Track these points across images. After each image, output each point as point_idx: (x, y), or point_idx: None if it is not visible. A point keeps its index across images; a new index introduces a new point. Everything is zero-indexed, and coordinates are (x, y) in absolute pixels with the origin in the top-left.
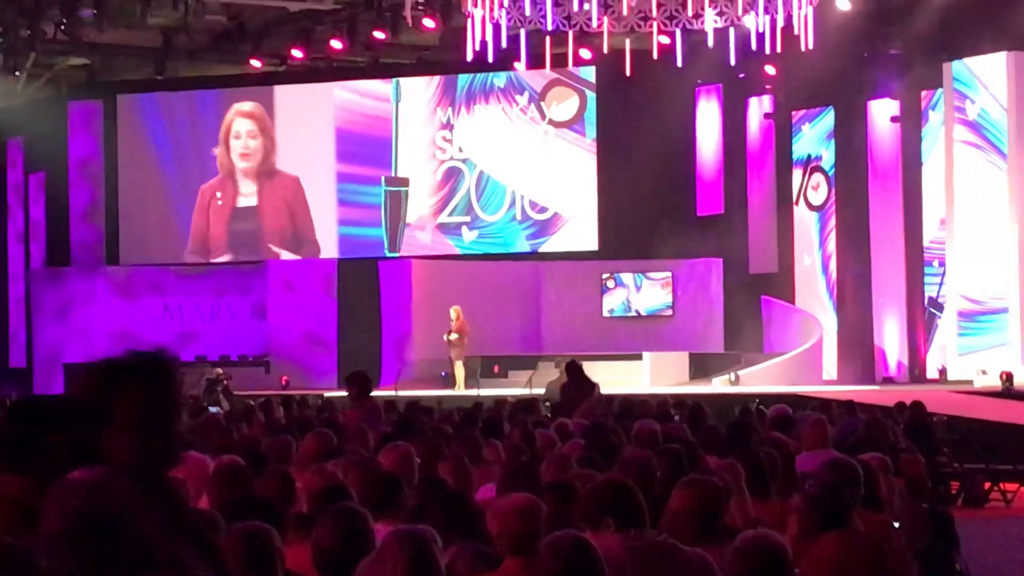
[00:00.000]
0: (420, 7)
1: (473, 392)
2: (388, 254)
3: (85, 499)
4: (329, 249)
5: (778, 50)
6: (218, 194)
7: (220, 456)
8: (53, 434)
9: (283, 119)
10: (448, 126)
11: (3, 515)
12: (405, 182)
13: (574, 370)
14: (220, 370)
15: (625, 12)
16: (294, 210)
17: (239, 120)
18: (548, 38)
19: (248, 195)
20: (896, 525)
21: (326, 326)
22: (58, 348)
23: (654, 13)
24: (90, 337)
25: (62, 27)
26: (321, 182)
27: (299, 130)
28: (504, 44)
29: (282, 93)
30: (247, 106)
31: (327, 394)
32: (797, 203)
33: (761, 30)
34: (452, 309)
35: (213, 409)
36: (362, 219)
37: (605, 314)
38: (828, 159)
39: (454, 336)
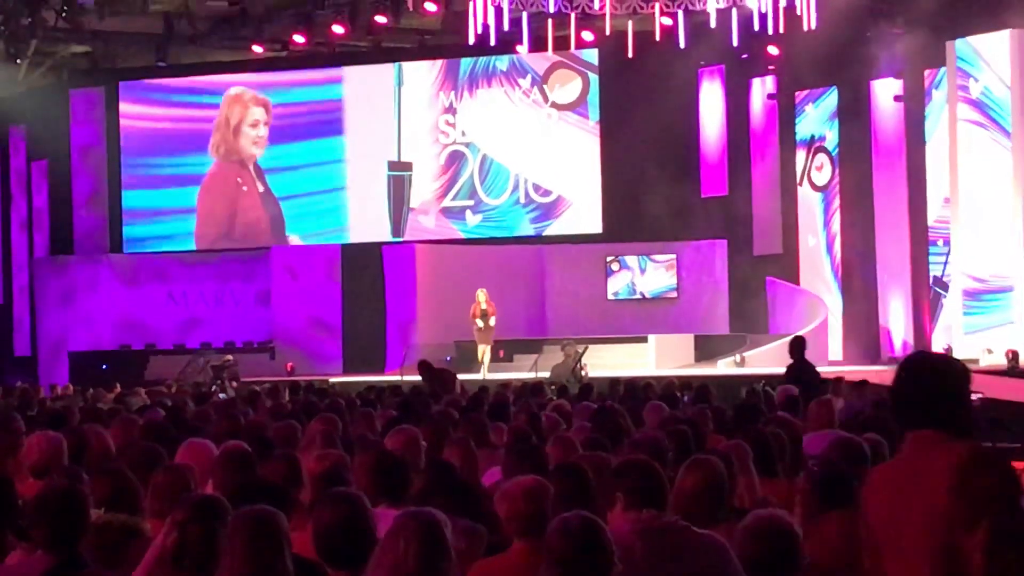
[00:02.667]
0: None
1: (493, 376)
2: (392, 239)
3: None
4: (335, 234)
5: (781, 30)
6: (239, 179)
7: (226, 441)
8: None
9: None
10: (451, 110)
11: None
12: (408, 166)
13: (423, 369)
14: (230, 356)
15: None
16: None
17: (255, 108)
18: (550, 21)
19: (261, 180)
20: None
21: (330, 312)
22: (63, 336)
23: None
24: (94, 325)
25: (63, 15)
26: (326, 167)
27: (302, 114)
28: (506, 27)
29: (288, 78)
30: (253, 92)
31: (332, 379)
32: (801, 184)
33: (763, 10)
34: (480, 292)
35: (221, 396)
36: (366, 204)
37: (610, 297)
38: (832, 139)
39: (492, 320)
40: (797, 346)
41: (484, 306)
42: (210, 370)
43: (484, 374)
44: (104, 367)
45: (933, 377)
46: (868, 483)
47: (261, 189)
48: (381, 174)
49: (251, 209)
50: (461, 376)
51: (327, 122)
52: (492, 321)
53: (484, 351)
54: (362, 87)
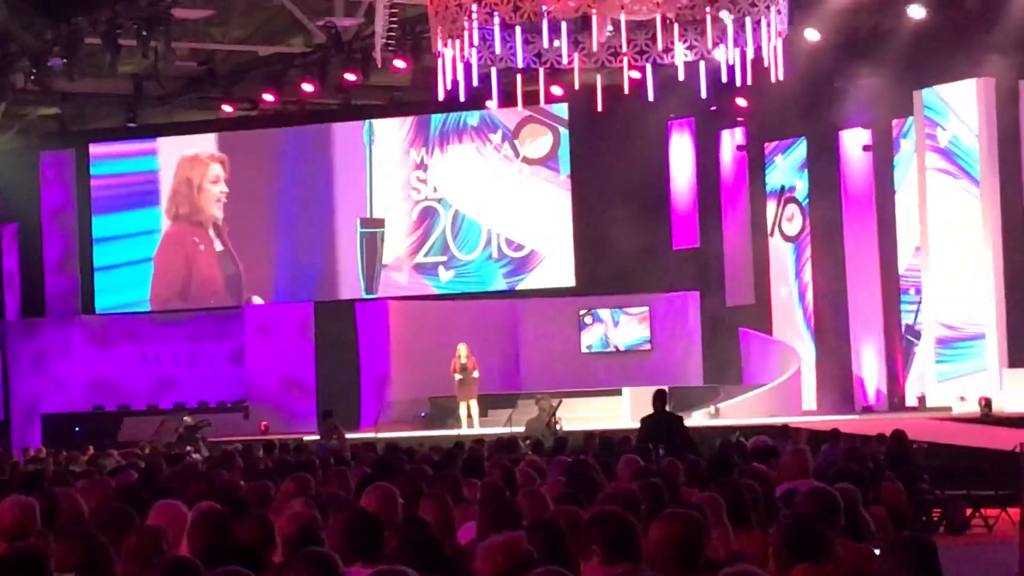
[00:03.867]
0: (391, 48)
1: (480, 431)
2: (365, 295)
3: None
4: (306, 292)
5: (749, 82)
6: (196, 239)
7: (200, 502)
8: None
9: (252, 165)
10: (422, 166)
11: None
12: (380, 223)
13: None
14: (201, 418)
15: (595, 48)
16: (264, 256)
17: (214, 165)
18: (519, 75)
19: (215, 240)
20: (877, 553)
21: (304, 370)
22: (35, 399)
23: (624, 48)
24: (67, 387)
25: (32, 77)
26: (298, 225)
27: (274, 174)
28: (476, 83)
29: (259, 137)
30: (210, 151)
31: (306, 438)
32: (772, 234)
33: (731, 63)
34: (461, 346)
35: (195, 456)
36: (338, 261)
37: (584, 350)
38: (802, 190)
39: (475, 373)
40: (659, 398)
41: (464, 360)
42: (184, 431)
43: (476, 428)
44: (77, 429)
45: None
46: None
47: (219, 248)
48: (353, 231)
49: (207, 268)
50: (437, 432)
51: (301, 180)
52: (475, 374)
53: (467, 406)
54: (332, 145)
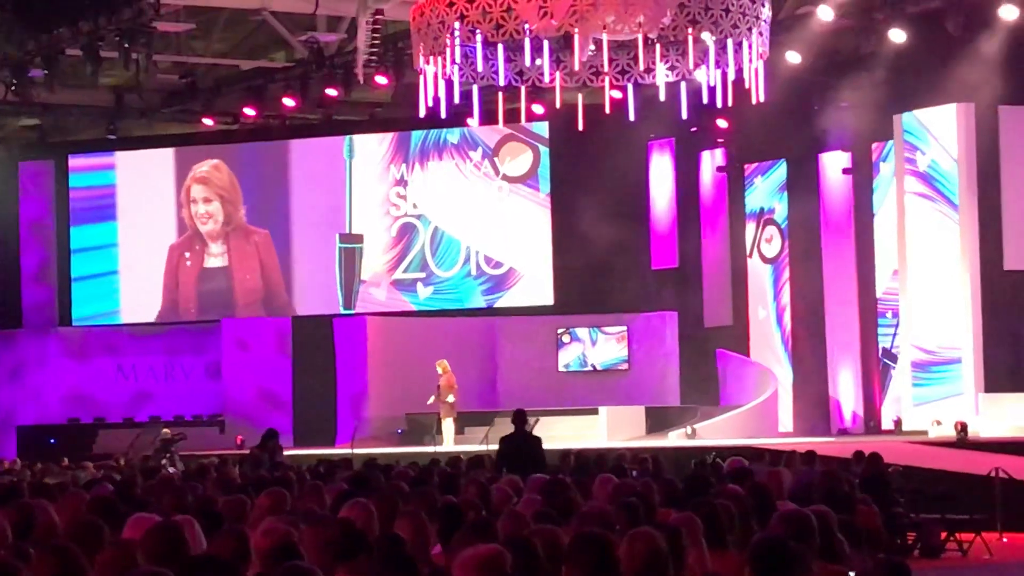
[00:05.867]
0: (372, 64)
1: (449, 448)
2: (343, 311)
3: None
4: (288, 307)
5: (730, 104)
6: (186, 254)
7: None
8: None
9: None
10: (402, 182)
11: None
12: (359, 239)
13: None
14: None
15: (577, 67)
16: (265, 268)
17: (195, 186)
18: (501, 94)
19: (217, 255)
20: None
21: (281, 384)
22: (11, 410)
23: (606, 68)
24: (43, 399)
25: (12, 87)
26: (277, 240)
27: (253, 188)
28: (457, 100)
29: (238, 151)
30: (203, 168)
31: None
32: (751, 256)
33: (712, 84)
34: (439, 364)
35: (170, 470)
36: (317, 276)
37: (561, 369)
38: (781, 212)
39: (450, 398)
40: (518, 418)
41: (441, 380)
42: (159, 444)
43: (447, 445)
44: (52, 441)
45: None
46: None
47: (219, 264)
48: (332, 246)
49: (195, 282)
50: (412, 449)
51: (281, 194)
52: (450, 398)
53: (448, 424)
54: (313, 160)
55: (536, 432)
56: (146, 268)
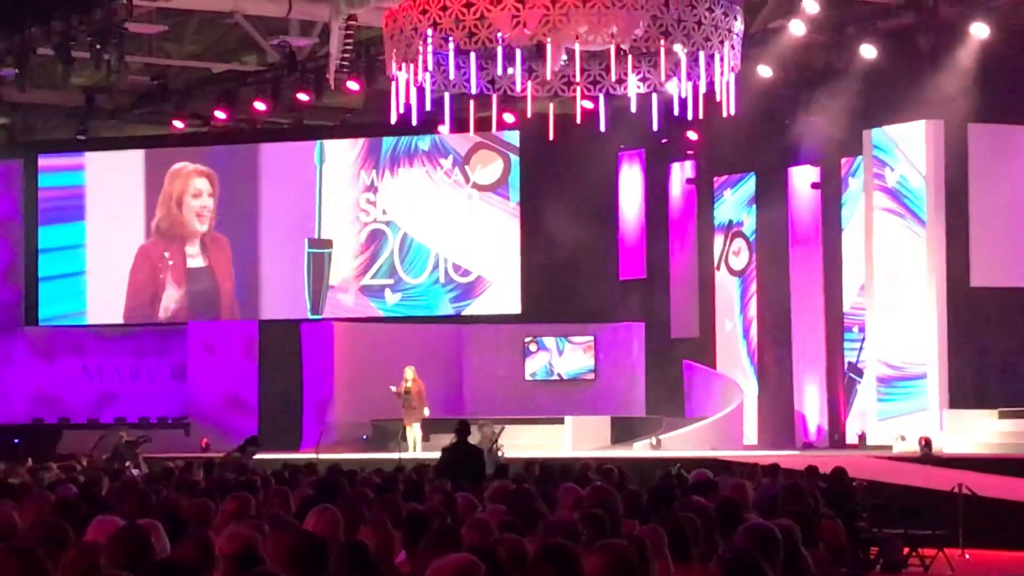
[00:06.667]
0: (344, 69)
1: (417, 454)
2: (311, 316)
3: None
4: (254, 311)
5: (700, 116)
6: (166, 254)
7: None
8: None
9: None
10: (372, 188)
11: None
12: (328, 244)
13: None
14: (141, 434)
15: (548, 76)
16: (233, 272)
17: (197, 179)
18: (472, 102)
19: (196, 256)
20: None
21: (247, 388)
22: None
23: (577, 78)
24: (8, 398)
25: None
26: (245, 243)
27: (223, 191)
28: (428, 107)
29: (209, 154)
30: (192, 167)
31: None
32: (719, 268)
33: (684, 96)
34: (408, 369)
35: (134, 472)
36: (285, 281)
37: (527, 378)
38: (749, 225)
39: (425, 411)
40: (462, 429)
41: (408, 384)
42: (123, 445)
43: (417, 451)
44: (16, 441)
45: None
46: None
47: (199, 264)
48: (301, 251)
49: (176, 284)
50: (377, 455)
51: (250, 198)
52: (425, 411)
53: (415, 428)
54: (283, 164)
55: (501, 440)
56: (114, 269)
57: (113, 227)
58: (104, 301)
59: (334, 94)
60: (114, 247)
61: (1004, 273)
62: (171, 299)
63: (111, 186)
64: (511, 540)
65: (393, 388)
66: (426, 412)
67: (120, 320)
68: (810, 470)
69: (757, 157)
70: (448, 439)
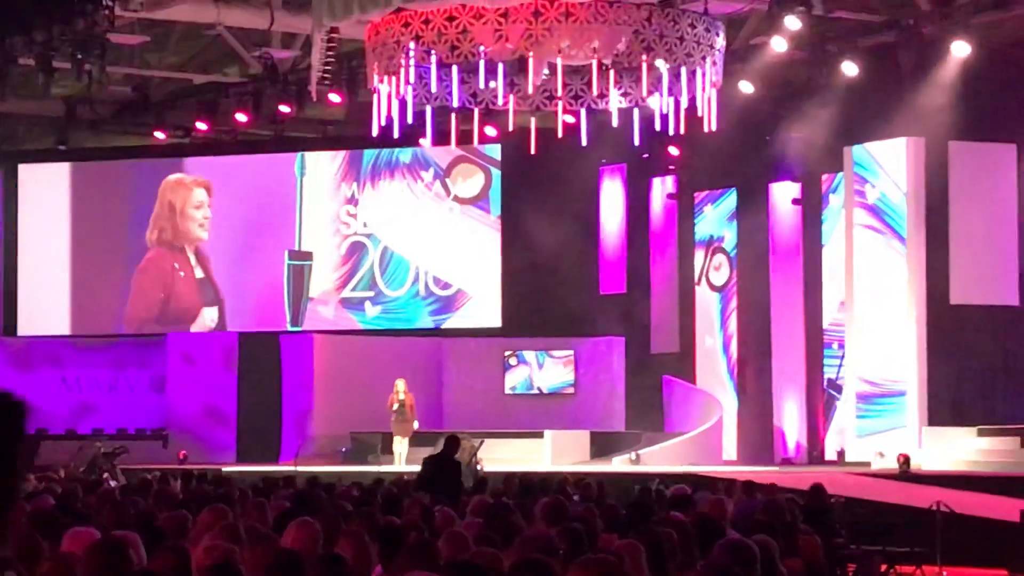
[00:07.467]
0: (326, 81)
1: (401, 468)
2: (290, 328)
3: None
4: (230, 322)
5: (682, 131)
6: (176, 264)
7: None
8: None
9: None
10: (353, 201)
11: None
12: (308, 256)
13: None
14: (118, 445)
15: (530, 90)
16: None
17: (198, 190)
18: (454, 115)
19: (196, 266)
20: None
21: (226, 400)
22: None
23: (559, 92)
24: None
25: None
26: (224, 255)
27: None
28: (410, 120)
29: (190, 165)
30: (191, 177)
31: (225, 469)
32: (699, 283)
33: (665, 111)
34: (399, 381)
35: (112, 483)
36: (265, 293)
37: (507, 391)
38: (730, 240)
39: (408, 415)
40: (450, 443)
41: (402, 396)
42: (101, 456)
43: (402, 465)
44: None
45: None
46: None
47: (200, 275)
48: (281, 263)
49: (187, 294)
50: (356, 468)
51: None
52: (415, 424)
53: (404, 443)
54: (263, 176)
55: (480, 454)
56: (94, 280)
57: (93, 238)
58: (83, 312)
59: (315, 106)
60: (94, 258)
61: (984, 291)
62: (184, 309)
63: (92, 197)
64: (487, 554)
65: (395, 407)
66: (415, 425)
67: (110, 331)
68: (815, 488)
69: (738, 173)
70: (427, 453)
